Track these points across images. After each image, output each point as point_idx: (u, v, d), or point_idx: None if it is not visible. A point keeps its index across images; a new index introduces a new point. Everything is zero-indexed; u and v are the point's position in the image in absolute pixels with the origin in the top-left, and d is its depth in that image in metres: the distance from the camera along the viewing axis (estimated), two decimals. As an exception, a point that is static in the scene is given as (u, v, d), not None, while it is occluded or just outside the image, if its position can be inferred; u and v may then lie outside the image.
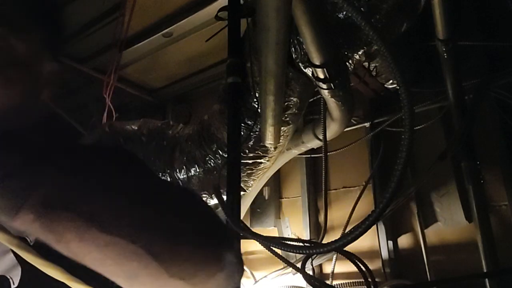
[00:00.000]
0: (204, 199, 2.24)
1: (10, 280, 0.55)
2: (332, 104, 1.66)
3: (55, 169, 0.45)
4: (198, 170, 2.10)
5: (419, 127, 2.06)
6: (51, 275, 0.43)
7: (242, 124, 1.75)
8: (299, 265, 1.67)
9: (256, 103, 1.67)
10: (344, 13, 1.44)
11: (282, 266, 2.41)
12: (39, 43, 0.63)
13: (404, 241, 2.20)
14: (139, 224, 0.45)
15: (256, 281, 2.57)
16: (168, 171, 2.20)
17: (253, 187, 2.21)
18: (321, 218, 2.43)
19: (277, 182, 2.75)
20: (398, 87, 0.78)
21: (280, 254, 1.47)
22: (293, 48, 1.55)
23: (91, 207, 0.44)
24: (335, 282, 2.24)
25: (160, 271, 0.45)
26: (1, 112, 0.55)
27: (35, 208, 0.42)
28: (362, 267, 1.52)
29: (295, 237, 2.55)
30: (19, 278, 0.55)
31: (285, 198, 2.74)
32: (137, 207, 0.47)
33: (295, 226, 2.62)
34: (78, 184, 0.45)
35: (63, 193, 0.44)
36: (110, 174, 0.49)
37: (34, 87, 0.64)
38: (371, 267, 1.57)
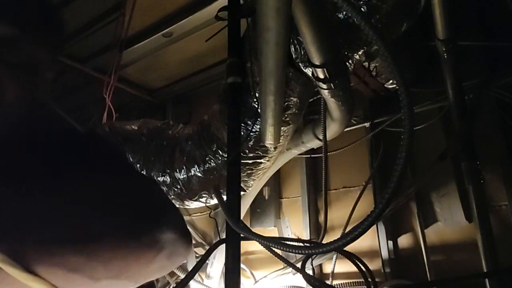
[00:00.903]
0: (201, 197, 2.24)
1: None
2: (332, 104, 1.66)
3: None
4: (198, 170, 2.10)
5: (419, 127, 2.06)
6: None
7: (242, 124, 1.75)
8: (299, 265, 1.67)
9: (256, 103, 1.67)
10: (344, 13, 1.44)
11: (282, 266, 2.41)
12: (47, 46, 0.63)
13: (404, 241, 2.20)
14: (44, 246, 0.44)
15: (256, 281, 2.57)
16: (168, 171, 2.20)
17: (253, 187, 2.21)
18: (321, 218, 2.43)
19: (277, 182, 2.75)
20: (398, 87, 0.78)
21: (280, 254, 1.47)
22: (293, 48, 1.55)
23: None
24: (335, 282, 2.24)
25: (84, 280, 0.45)
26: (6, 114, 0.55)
27: None
28: (362, 267, 1.52)
29: (295, 237, 2.55)
30: None
31: (285, 198, 2.74)
32: (47, 227, 0.46)
33: (295, 226, 2.62)
34: None
35: None
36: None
37: (37, 90, 0.63)
38: (371, 267, 1.57)
